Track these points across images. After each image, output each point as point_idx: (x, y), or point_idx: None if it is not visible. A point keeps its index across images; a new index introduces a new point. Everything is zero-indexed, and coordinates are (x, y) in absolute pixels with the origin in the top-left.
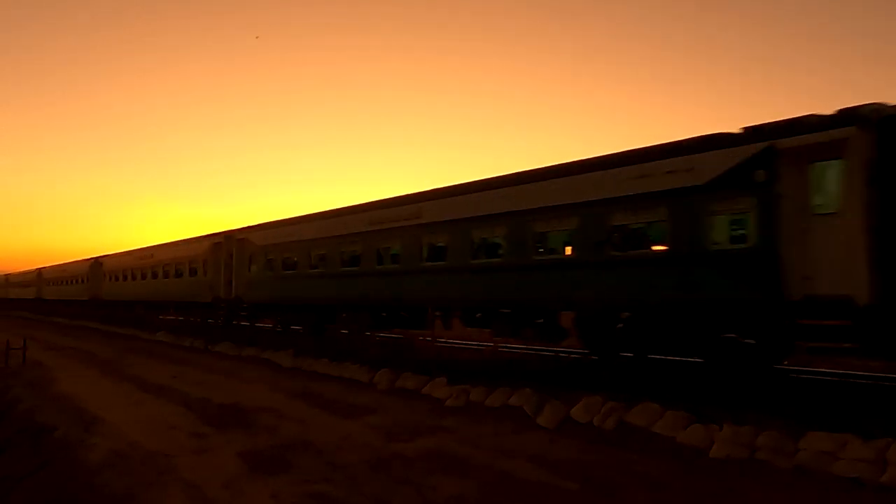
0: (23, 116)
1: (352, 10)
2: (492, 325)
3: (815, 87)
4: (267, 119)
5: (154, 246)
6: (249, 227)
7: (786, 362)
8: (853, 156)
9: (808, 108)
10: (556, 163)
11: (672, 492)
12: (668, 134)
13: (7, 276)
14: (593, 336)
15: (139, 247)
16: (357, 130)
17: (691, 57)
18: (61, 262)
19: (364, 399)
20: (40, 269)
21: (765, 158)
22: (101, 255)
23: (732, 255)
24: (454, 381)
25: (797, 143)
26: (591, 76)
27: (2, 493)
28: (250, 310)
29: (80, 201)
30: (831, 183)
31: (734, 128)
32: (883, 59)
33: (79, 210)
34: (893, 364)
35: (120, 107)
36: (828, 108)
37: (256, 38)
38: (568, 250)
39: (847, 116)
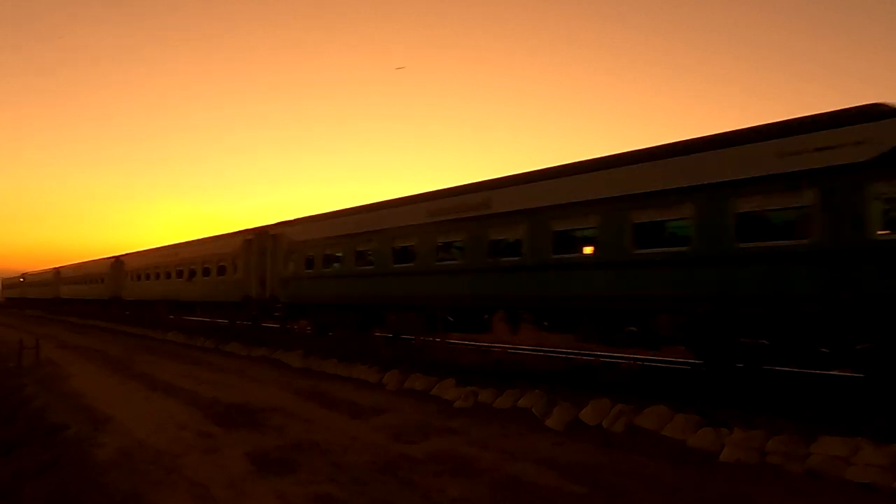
0: (30, 115)
1: (360, 9)
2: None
3: (815, 85)
4: (283, 116)
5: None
6: (127, 254)
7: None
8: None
9: (811, 105)
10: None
11: (682, 496)
12: (673, 133)
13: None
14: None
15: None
16: (373, 128)
17: (701, 53)
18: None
19: (372, 400)
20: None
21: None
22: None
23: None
24: (463, 383)
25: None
26: (589, 72)
27: (12, 490)
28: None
29: (86, 199)
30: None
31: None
32: (883, 53)
33: (82, 207)
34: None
35: (129, 104)
36: (832, 105)
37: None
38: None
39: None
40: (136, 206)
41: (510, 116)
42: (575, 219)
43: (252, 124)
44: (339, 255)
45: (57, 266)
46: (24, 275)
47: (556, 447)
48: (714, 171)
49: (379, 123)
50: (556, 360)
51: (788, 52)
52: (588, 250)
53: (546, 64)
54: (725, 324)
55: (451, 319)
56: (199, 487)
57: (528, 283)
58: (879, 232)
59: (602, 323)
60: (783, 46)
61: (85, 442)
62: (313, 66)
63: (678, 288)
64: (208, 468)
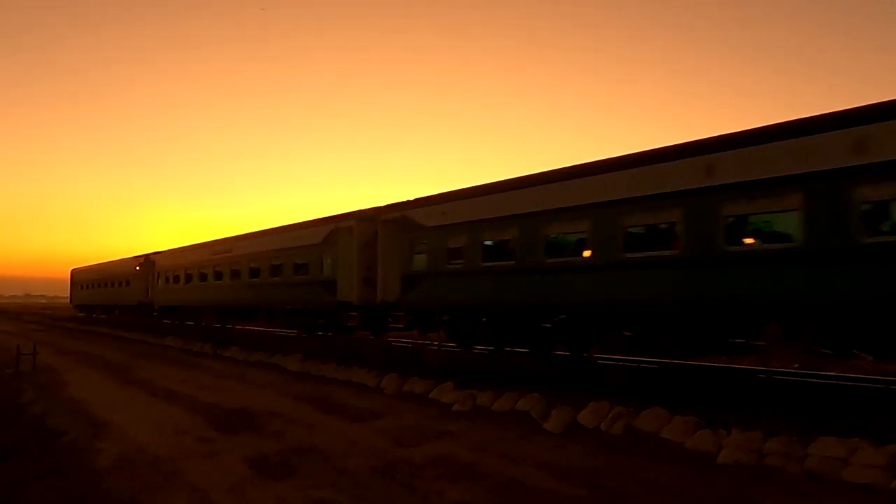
0: (31, 119)
1: (363, 10)
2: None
3: (815, 86)
4: (279, 121)
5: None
6: (83, 268)
7: None
8: (149, 265)
9: (811, 105)
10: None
11: (681, 499)
12: (681, 134)
13: None
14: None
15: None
16: (370, 131)
17: (702, 55)
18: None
19: (371, 404)
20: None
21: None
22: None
23: None
24: (461, 386)
25: (149, 257)
26: (598, 76)
27: (12, 495)
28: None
29: (89, 204)
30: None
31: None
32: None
33: (88, 212)
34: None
35: (128, 110)
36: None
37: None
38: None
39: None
40: (135, 209)
41: (506, 119)
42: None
43: (250, 128)
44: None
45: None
46: (149, 257)
47: (554, 450)
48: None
49: (377, 126)
50: (553, 362)
51: (787, 53)
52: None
53: (545, 66)
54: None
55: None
56: (199, 492)
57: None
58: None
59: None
60: (782, 47)
61: (84, 447)
62: (312, 70)
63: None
64: (208, 473)
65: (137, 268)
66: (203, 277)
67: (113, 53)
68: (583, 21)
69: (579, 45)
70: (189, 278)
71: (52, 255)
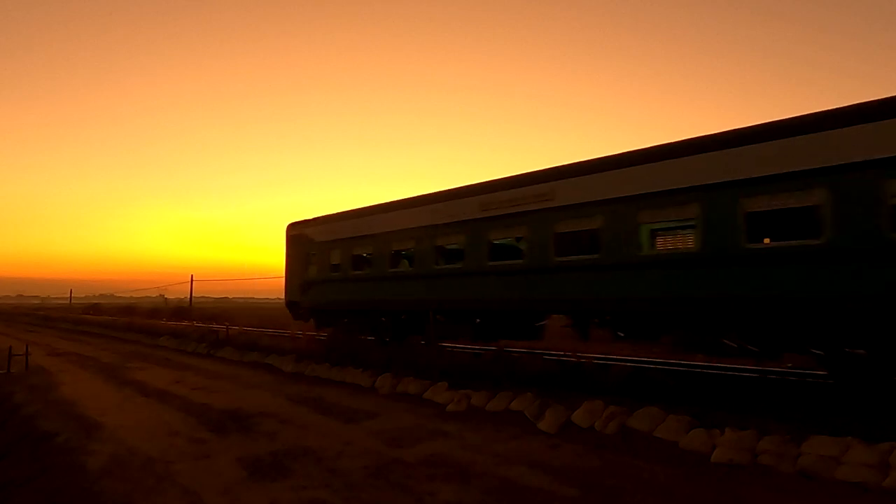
0: (28, 119)
1: (363, 10)
2: None
3: (821, 85)
4: (279, 121)
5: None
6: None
7: None
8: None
9: (808, 105)
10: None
11: (676, 498)
12: (679, 133)
13: None
14: None
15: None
16: (371, 131)
17: (703, 55)
18: None
19: (365, 404)
20: None
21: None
22: None
23: None
24: (455, 386)
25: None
26: (600, 75)
27: (4, 498)
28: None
29: (86, 204)
30: None
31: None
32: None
33: (85, 213)
34: None
35: (127, 110)
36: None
37: None
38: None
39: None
40: (133, 209)
41: (506, 119)
42: None
43: (250, 128)
44: None
45: None
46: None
47: (549, 450)
48: None
49: (377, 126)
50: (548, 362)
51: (787, 53)
52: None
53: (545, 66)
54: None
55: None
56: (192, 494)
57: None
58: None
59: None
60: (782, 47)
61: (76, 449)
62: (312, 70)
63: None
64: (201, 475)
65: None
66: None
67: (113, 53)
68: (582, 21)
69: (579, 45)
70: None
71: (46, 256)
